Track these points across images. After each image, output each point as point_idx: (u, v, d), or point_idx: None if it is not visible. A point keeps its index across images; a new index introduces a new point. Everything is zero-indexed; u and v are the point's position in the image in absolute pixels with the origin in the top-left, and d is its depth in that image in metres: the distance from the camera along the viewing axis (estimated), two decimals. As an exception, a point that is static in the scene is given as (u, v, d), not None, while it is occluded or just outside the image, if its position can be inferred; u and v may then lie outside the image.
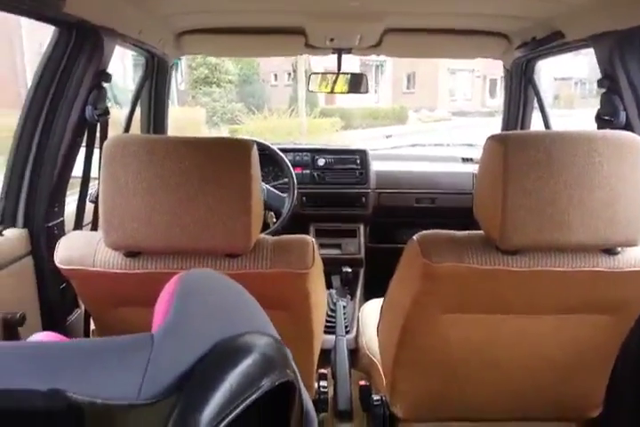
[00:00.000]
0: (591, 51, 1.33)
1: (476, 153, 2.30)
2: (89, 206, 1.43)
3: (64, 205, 1.35)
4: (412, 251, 1.03)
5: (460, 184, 2.23)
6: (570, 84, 19.14)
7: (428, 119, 16.09)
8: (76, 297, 1.38)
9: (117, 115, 1.39)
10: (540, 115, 1.93)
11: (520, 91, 2.03)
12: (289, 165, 2.06)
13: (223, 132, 11.71)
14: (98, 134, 1.35)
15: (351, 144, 2.59)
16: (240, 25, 1.74)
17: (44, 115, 1.22)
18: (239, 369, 0.41)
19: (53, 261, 1.01)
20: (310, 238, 1.06)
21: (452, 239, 1.00)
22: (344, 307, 2.03)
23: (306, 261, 1.00)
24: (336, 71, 2.04)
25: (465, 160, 2.43)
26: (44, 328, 1.29)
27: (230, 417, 0.38)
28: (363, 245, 2.28)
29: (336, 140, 9.94)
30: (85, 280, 1.04)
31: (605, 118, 1.30)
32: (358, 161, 2.26)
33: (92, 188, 1.44)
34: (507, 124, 2.14)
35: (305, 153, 2.28)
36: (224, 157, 0.93)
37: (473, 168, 2.25)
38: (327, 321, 1.84)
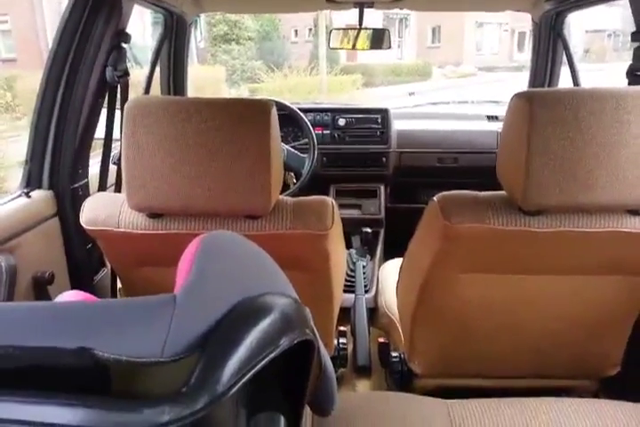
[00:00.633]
0: (626, 1, 1.27)
1: (502, 111, 2.24)
2: (112, 168, 1.45)
3: (88, 167, 1.37)
4: (432, 212, 1.03)
5: (483, 143, 2.19)
6: (602, 37, 18.31)
7: (452, 75, 15.65)
8: (102, 257, 1.42)
9: (136, 74, 1.38)
10: (568, 70, 1.86)
11: (548, 45, 1.95)
12: (309, 125, 2.04)
13: (243, 90, 11.60)
14: (118, 96, 1.35)
15: (373, 102, 2.54)
16: None
17: (64, 77, 1.22)
18: (259, 328, 0.42)
19: (79, 223, 1.04)
20: (330, 199, 1.06)
21: (472, 200, 1.00)
22: (364, 267, 2.05)
23: (325, 222, 1.01)
24: (357, 27, 1.98)
25: (490, 118, 2.37)
26: (73, 287, 1.34)
27: (250, 374, 0.39)
28: (383, 205, 2.27)
29: (357, 99, 9.76)
30: (110, 241, 1.07)
31: (638, 74, 1.25)
32: (379, 120, 2.22)
33: (115, 149, 1.46)
34: (534, 80, 2.08)
35: (325, 113, 2.25)
36: (244, 118, 0.92)
37: (498, 126, 2.19)
38: (347, 280, 1.87)
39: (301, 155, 2.05)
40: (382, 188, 2.28)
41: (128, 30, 1.32)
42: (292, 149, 2.06)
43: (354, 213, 2.24)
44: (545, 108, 0.88)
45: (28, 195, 1.21)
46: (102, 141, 1.40)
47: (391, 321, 1.48)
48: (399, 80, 13.74)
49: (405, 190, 2.36)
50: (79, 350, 0.36)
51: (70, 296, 0.80)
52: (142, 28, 7.64)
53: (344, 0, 1.79)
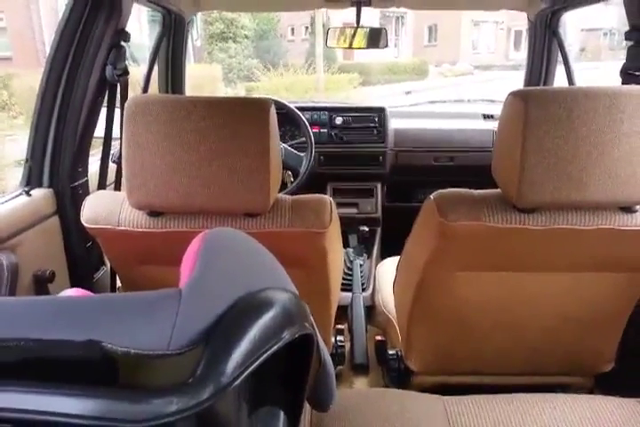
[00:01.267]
0: (621, 0, 1.28)
1: (498, 109, 2.25)
2: (112, 166, 1.46)
3: (87, 166, 1.37)
4: (428, 209, 1.04)
5: (479, 142, 2.20)
6: (598, 36, 18.34)
7: (449, 73, 15.66)
8: (102, 255, 1.43)
9: (133, 73, 1.39)
10: (564, 69, 1.88)
11: (544, 44, 1.97)
12: (306, 123, 2.05)
13: (239, 89, 11.57)
14: (118, 94, 1.36)
15: (369, 101, 2.55)
16: None
17: (65, 76, 1.23)
18: (261, 322, 0.43)
19: (79, 221, 1.05)
20: (328, 198, 1.07)
21: (468, 198, 1.01)
22: (361, 265, 2.06)
23: (323, 220, 1.02)
24: (354, 25, 1.99)
25: (486, 117, 2.38)
26: (72, 285, 1.35)
27: (253, 366, 0.40)
28: (380, 204, 2.29)
29: (354, 97, 9.76)
30: (111, 239, 1.08)
31: (631, 73, 1.27)
32: (376, 119, 2.23)
33: (115, 148, 1.46)
34: (529, 79, 2.09)
35: (322, 111, 2.26)
36: (243, 117, 0.93)
37: (493, 125, 2.21)
38: (344, 279, 1.88)
39: (299, 153, 2.06)
40: (379, 186, 2.29)
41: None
42: (290, 148, 2.07)
43: (351, 211, 2.25)
44: (539, 106, 0.89)
45: (28, 193, 1.21)
46: (101, 140, 1.40)
47: (388, 319, 1.50)
48: (396, 79, 13.74)
49: (402, 189, 2.38)
50: (88, 342, 0.37)
51: (71, 293, 0.81)
52: (139, 27, 7.63)
53: None
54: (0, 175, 5.15)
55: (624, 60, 1.30)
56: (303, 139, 2.06)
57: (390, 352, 1.38)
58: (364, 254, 2.13)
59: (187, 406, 0.36)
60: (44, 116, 1.25)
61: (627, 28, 1.28)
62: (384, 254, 2.08)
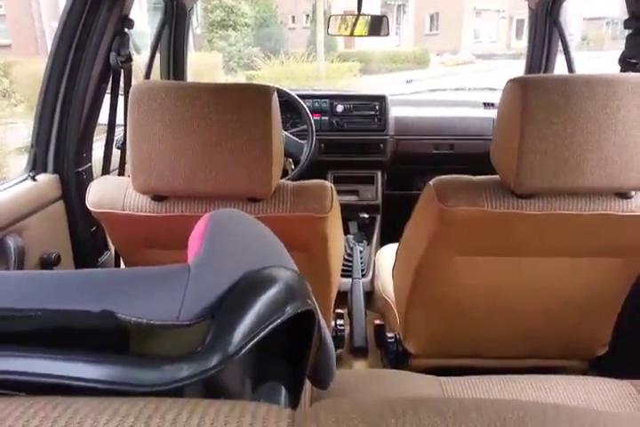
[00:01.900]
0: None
1: (498, 97, 2.26)
2: (115, 152, 1.47)
3: (91, 152, 1.39)
4: (428, 195, 1.06)
5: (479, 130, 2.21)
6: (601, 25, 18.22)
7: (450, 62, 15.58)
8: (106, 239, 1.45)
9: (136, 60, 1.40)
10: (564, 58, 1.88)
11: (545, 33, 1.97)
12: (307, 111, 2.06)
13: (240, 77, 11.53)
14: (122, 81, 1.37)
15: (370, 90, 2.56)
16: None
17: (69, 63, 1.24)
18: (266, 296, 0.45)
19: (83, 205, 1.07)
20: (329, 183, 1.09)
21: (467, 184, 1.03)
22: (360, 251, 2.08)
23: (325, 205, 1.04)
24: (356, 13, 1.99)
25: (487, 105, 2.39)
26: (77, 268, 1.37)
27: (258, 338, 0.42)
28: (380, 191, 2.30)
29: (355, 86, 9.73)
30: (115, 223, 1.10)
31: (630, 61, 1.28)
32: (377, 107, 2.24)
33: (118, 134, 1.48)
34: (530, 68, 2.09)
35: (324, 99, 2.27)
36: (246, 103, 0.95)
37: (494, 113, 2.21)
38: (344, 265, 1.90)
39: (300, 141, 2.07)
40: (379, 174, 2.31)
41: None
42: (291, 136, 2.08)
43: (351, 199, 2.27)
44: (538, 93, 0.90)
45: (33, 178, 1.23)
46: (103, 127, 1.42)
47: (387, 303, 1.52)
48: (396, 67, 13.68)
49: (402, 177, 2.39)
50: (103, 313, 0.39)
51: None
52: (140, 14, 7.59)
53: None
54: (2, 162, 5.16)
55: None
56: (304, 126, 2.07)
57: (389, 335, 1.40)
58: (364, 241, 2.15)
59: (195, 373, 0.38)
60: (48, 103, 1.26)
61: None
62: (383, 241, 2.10)
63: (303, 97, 2.14)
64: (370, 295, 1.81)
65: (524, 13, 2.27)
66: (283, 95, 2.00)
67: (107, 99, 1.38)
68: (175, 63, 2.06)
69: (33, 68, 6.42)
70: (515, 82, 0.94)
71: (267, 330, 0.43)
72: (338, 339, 1.54)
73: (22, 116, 6.62)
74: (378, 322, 1.56)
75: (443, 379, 1.09)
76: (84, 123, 1.30)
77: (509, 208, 0.99)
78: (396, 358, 1.39)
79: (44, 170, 1.31)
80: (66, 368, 0.38)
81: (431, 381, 1.09)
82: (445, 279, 1.16)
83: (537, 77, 0.96)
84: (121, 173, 1.45)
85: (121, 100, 1.37)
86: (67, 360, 0.38)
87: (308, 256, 1.11)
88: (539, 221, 1.01)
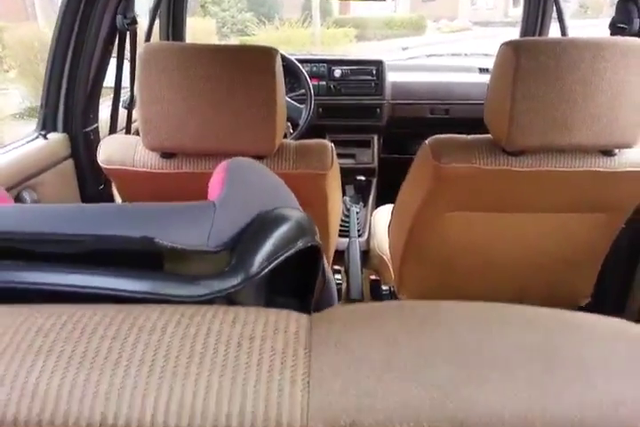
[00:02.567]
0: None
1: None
2: (121, 113, 1.51)
3: (98, 112, 1.43)
4: (423, 153, 1.11)
5: (475, 95, 2.24)
6: (600, -9, 17.89)
7: (447, 29, 15.34)
8: (113, 197, 1.51)
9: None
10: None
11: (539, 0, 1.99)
12: (306, 75, 2.08)
13: (233, 43, 11.33)
14: (127, 43, 1.40)
15: (367, 56, 2.58)
16: None
17: (77, 25, 1.27)
18: (280, 231, 0.52)
19: (92, 164, 1.12)
20: (329, 143, 1.14)
21: (461, 142, 1.08)
22: (357, 212, 2.15)
23: (325, 162, 1.10)
24: (354, -23, 2.00)
25: (482, 70, 2.42)
26: None
27: (273, 264, 0.49)
28: (376, 155, 2.35)
29: (351, 52, 9.62)
30: (125, 179, 1.15)
31: (619, 26, 1.32)
32: (374, 72, 2.27)
33: (124, 95, 1.51)
34: (524, 33, 2.11)
35: (321, 64, 2.29)
36: (251, 63, 0.99)
37: (489, 78, 2.24)
38: (341, 226, 1.96)
39: (299, 105, 2.10)
40: (376, 138, 2.35)
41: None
42: (290, 100, 2.11)
43: (348, 162, 2.31)
44: (530, 56, 0.95)
45: (45, 137, 1.28)
46: (106, 90, 1.45)
47: (382, 260, 1.59)
48: (392, 34, 13.46)
49: (398, 141, 2.43)
50: (143, 238, 0.46)
51: None
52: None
53: None
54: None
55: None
56: (303, 91, 2.10)
57: (384, 288, 1.48)
58: (361, 203, 2.21)
59: (225, 287, 0.45)
60: (57, 64, 1.30)
61: None
62: (379, 203, 2.16)
63: (301, 61, 2.16)
64: (366, 254, 1.88)
65: (522, -21, 2.26)
66: (282, 59, 2.02)
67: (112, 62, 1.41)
68: (174, 28, 2.07)
69: (24, 33, 6.32)
70: (508, 45, 0.99)
71: (281, 258, 0.50)
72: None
73: (14, 81, 6.54)
74: (373, 277, 1.63)
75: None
76: (92, 84, 1.34)
77: (500, 165, 1.05)
78: None
79: (54, 129, 1.35)
80: (113, 282, 0.44)
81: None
82: (438, 235, 1.23)
83: (529, 40, 1.01)
84: (128, 132, 1.50)
85: (126, 62, 1.40)
86: (113, 276, 0.45)
87: (307, 212, 1.17)
88: (527, 177, 1.07)
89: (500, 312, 0.39)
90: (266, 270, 0.49)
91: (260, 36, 10.68)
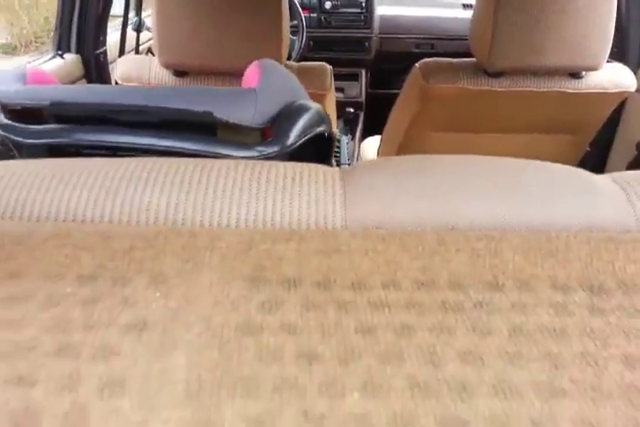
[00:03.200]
0: None
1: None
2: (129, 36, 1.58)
3: (106, 36, 1.50)
4: (413, 75, 1.24)
5: (459, 30, 2.31)
6: None
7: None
8: None
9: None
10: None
11: None
12: (298, 7, 2.14)
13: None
14: None
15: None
16: None
17: None
18: (306, 116, 0.65)
19: (103, 84, 1.21)
20: (328, 66, 1.26)
21: (448, 64, 1.21)
22: (347, 143, 2.27)
23: (325, 83, 1.22)
24: None
25: (465, 6, 2.48)
26: None
27: (303, 140, 0.63)
28: (364, 89, 2.45)
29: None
30: None
31: None
32: (364, 4, 2.33)
33: (131, 19, 1.58)
34: None
35: None
36: None
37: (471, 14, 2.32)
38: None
39: (291, 37, 2.16)
40: (364, 72, 2.44)
41: None
42: None
43: (338, 96, 2.40)
44: None
45: (62, 56, 1.36)
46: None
47: None
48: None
49: (385, 76, 2.52)
50: (205, 112, 0.58)
51: None
52: None
53: None
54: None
55: None
56: (295, 22, 2.16)
57: None
58: (349, 135, 2.33)
59: (269, 151, 0.59)
60: None
61: None
62: (366, 135, 2.28)
63: None
64: None
65: None
66: None
67: None
68: None
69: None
70: None
71: (308, 136, 0.63)
72: None
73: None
74: None
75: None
76: (102, 8, 1.41)
77: (482, 85, 1.18)
78: None
79: (68, 50, 1.43)
80: (180, 143, 0.57)
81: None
82: (423, 153, 1.36)
83: None
84: (137, 53, 1.57)
85: None
86: (180, 139, 0.58)
87: None
88: (505, 98, 1.21)
89: (487, 162, 0.52)
90: (298, 143, 0.62)
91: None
